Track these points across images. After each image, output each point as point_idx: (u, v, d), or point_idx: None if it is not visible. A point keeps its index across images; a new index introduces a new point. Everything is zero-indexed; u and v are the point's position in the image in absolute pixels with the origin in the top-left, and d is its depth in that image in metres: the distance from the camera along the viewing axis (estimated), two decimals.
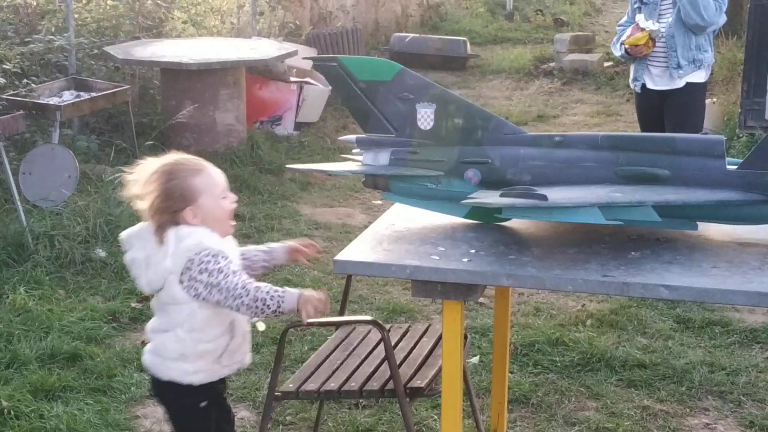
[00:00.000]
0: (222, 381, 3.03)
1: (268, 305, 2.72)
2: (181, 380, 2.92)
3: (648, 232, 2.95)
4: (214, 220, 2.84)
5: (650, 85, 5.80)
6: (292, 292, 2.74)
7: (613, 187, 2.79)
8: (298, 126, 8.76)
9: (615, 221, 2.71)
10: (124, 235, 2.96)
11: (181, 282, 2.79)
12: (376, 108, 3.02)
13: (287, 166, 2.99)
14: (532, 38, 13.93)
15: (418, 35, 12.42)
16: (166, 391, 2.99)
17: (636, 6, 5.80)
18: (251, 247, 3.10)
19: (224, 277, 2.75)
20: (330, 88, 8.99)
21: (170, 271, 2.80)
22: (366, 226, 6.44)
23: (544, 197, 2.63)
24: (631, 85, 6.00)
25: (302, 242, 3.11)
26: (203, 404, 2.96)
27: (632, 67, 5.91)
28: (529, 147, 2.92)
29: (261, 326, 3.25)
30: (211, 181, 2.85)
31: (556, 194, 2.67)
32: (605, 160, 2.85)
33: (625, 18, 6.00)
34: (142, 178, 2.86)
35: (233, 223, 2.93)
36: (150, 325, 3.00)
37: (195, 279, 2.77)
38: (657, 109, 5.83)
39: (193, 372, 2.91)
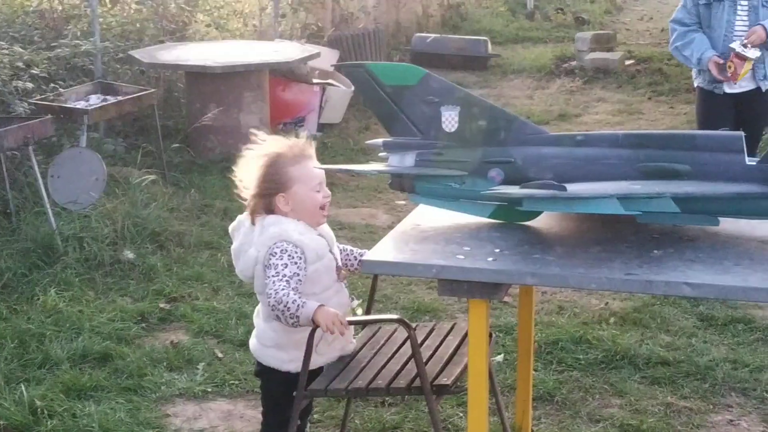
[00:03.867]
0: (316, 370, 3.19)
1: (288, 308, 2.85)
2: (279, 368, 3.13)
3: (671, 230, 2.99)
4: (304, 210, 3.01)
5: (727, 90, 5.55)
6: (312, 303, 2.87)
7: (633, 181, 2.83)
8: (321, 127, 8.81)
9: (634, 212, 2.76)
10: (230, 227, 3.14)
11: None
12: (402, 112, 3.08)
13: (314, 167, 3.05)
14: (553, 37, 13.92)
15: (439, 35, 12.44)
16: (264, 374, 3.20)
17: (704, 2, 5.45)
18: (347, 247, 3.36)
19: (273, 275, 2.90)
20: (352, 89, 9.07)
21: (256, 260, 2.98)
22: (390, 227, 6.62)
23: (563, 188, 2.68)
24: (707, 87, 5.63)
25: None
26: (295, 393, 3.08)
27: (707, 74, 5.56)
28: (551, 146, 2.97)
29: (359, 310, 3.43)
30: (308, 172, 3.01)
31: (577, 187, 2.72)
32: (626, 158, 2.90)
33: (681, 13, 5.59)
34: (248, 161, 3.03)
35: (326, 214, 3.08)
36: (256, 309, 3.20)
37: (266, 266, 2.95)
38: (727, 110, 5.58)
39: (288, 360, 3.12)
